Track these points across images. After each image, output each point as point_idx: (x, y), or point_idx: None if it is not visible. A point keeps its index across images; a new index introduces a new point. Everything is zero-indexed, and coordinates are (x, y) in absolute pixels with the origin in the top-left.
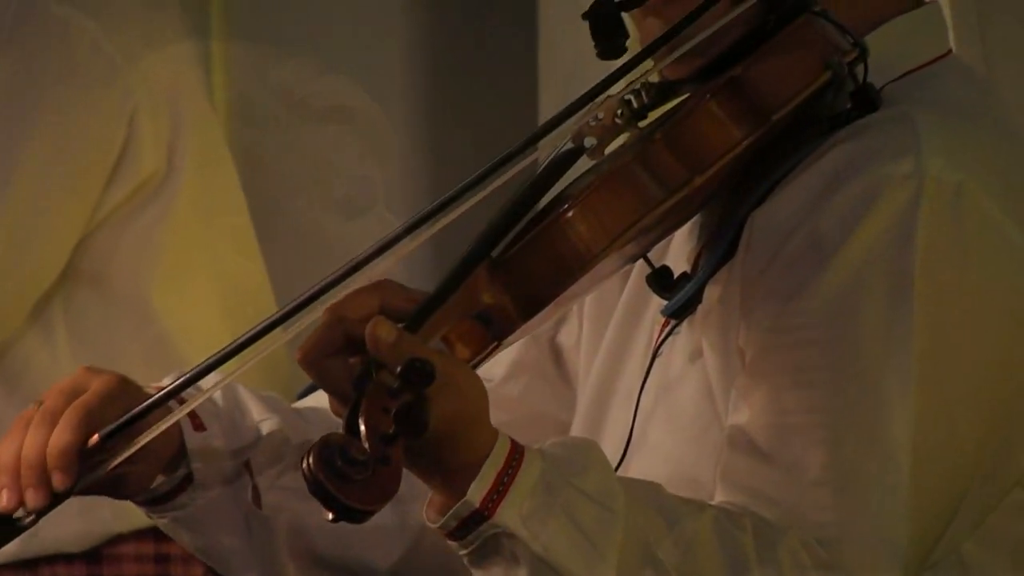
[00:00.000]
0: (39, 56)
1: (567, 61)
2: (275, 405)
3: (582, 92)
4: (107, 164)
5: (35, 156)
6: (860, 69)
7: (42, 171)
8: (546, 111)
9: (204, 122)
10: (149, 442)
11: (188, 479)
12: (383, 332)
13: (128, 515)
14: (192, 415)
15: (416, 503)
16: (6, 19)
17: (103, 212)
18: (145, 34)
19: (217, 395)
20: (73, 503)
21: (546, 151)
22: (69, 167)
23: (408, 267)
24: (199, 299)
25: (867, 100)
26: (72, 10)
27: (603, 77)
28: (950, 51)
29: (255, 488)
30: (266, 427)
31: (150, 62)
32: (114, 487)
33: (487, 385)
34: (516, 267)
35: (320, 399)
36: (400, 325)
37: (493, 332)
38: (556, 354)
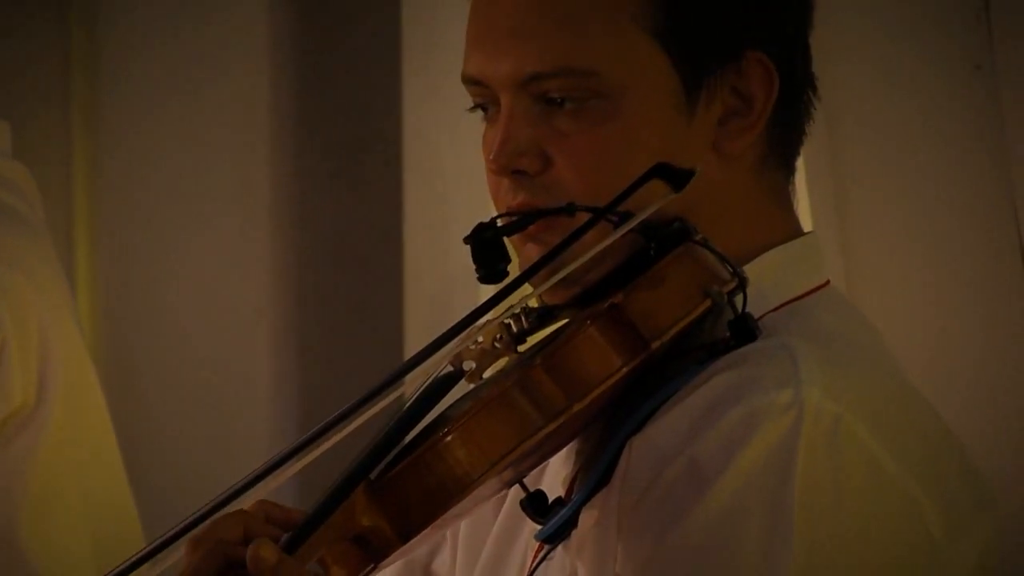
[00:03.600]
0: None
1: (433, 284)
2: None
3: (447, 316)
4: None
5: None
6: (739, 298)
7: None
8: (411, 334)
9: (73, 347)
10: None
11: None
12: (266, 553)
13: None
14: None
15: None
16: None
17: None
18: (13, 259)
19: None
20: None
21: (422, 377)
22: None
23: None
24: (67, 528)
25: (746, 329)
26: None
27: (482, 302)
28: (827, 282)
29: None
30: None
31: (19, 290)
32: None
33: None
34: (394, 490)
35: None
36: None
37: (370, 554)
38: None
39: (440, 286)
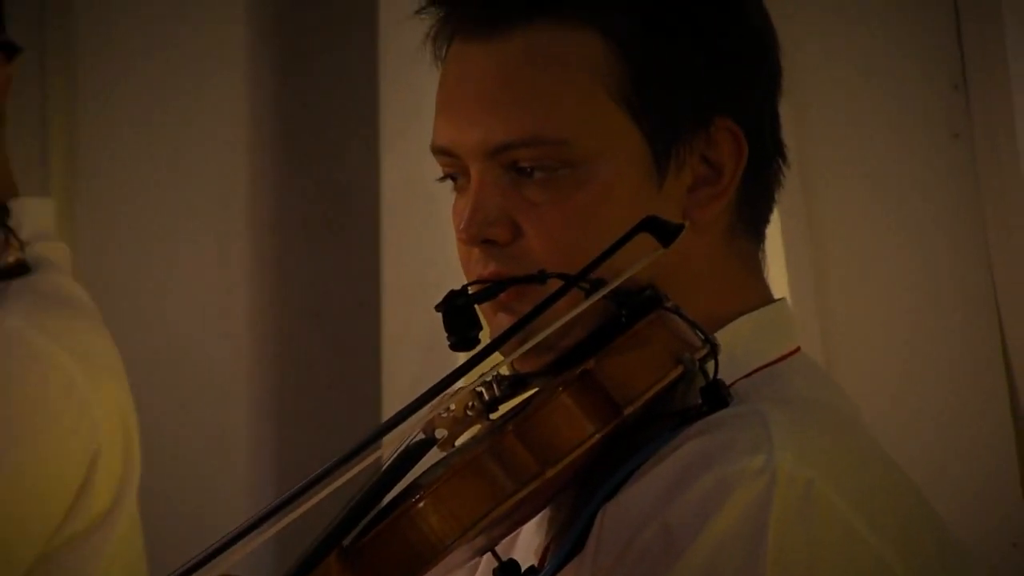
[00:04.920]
0: (15, 387)
1: (411, 347)
2: None
3: (425, 377)
4: (64, 504)
5: None
6: (711, 365)
7: (2, 513)
8: (389, 396)
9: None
10: None
11: None
12: None
13: None
14: None
15: None
16: None
17: (49, 546)
18: (108, 365)
19: None
20: None
21: (395, 444)
22: (24, 507)
23: (250, 562)
24: None
25: (718, 396)
26: (51, 343)
27: (452, 369)
28: (798, 348)
29: None
30: None
31: (111, 394)
32: None
33: None
34: (367, 556)
35: None
36: None
37: None
38: None
39: (418, 348)
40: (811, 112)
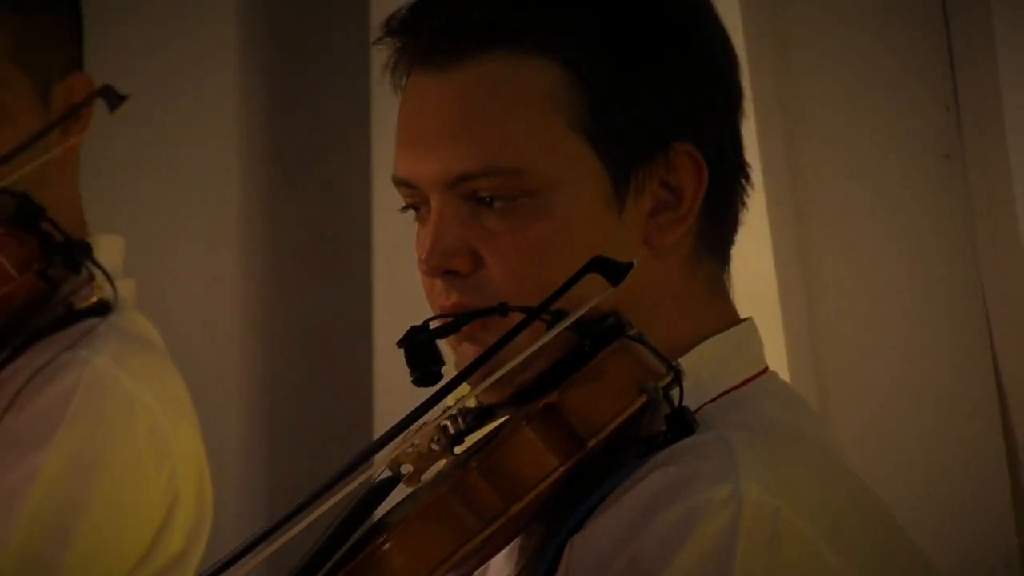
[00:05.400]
0: (106, 426)
1: (406, 368)
2: None
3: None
4: (143, 547)
5: (84, 533)
6: (676, 392)
7: (86, 551)
8: (381, 424)
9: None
10: None
11: None
12: None
13: None
14: None
15: None
16: (79, 387)
17: None
18: (186, 410)
19: None
20: None
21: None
22: (105, 547)
23: None
24: None
25: (683, 423)
26: (138, 385)
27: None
28: (766, 368)
29: None
30: None
31: (190, 441)
32: None
33: None
34: None
35: None
36: None
37: None
38: None
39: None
40: (803, 133)
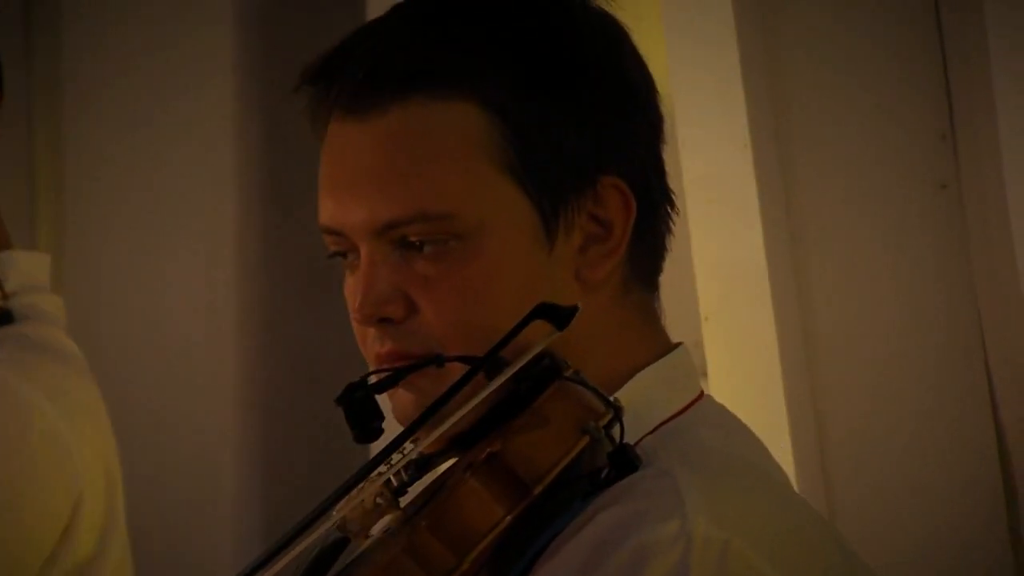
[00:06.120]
0: None
1: None
2: None
3: None
4: (45, 550)
5: None
6: (617, 428)
7: None
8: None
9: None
10: None
11: None
12: None
13: None
14: None
15: None
16: None
17: None
18: (91, 414)
19: None
20: None
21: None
22: (8, 548)
23: None
24: None
25: (626, 460)
26: (33, 389)
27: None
28: (702, 394)
29: None
30: None
31: (95, 445)
32: None
33: None
34: None
35: None
36: None
37: None
38: None
39: None
40: (798, 164)
